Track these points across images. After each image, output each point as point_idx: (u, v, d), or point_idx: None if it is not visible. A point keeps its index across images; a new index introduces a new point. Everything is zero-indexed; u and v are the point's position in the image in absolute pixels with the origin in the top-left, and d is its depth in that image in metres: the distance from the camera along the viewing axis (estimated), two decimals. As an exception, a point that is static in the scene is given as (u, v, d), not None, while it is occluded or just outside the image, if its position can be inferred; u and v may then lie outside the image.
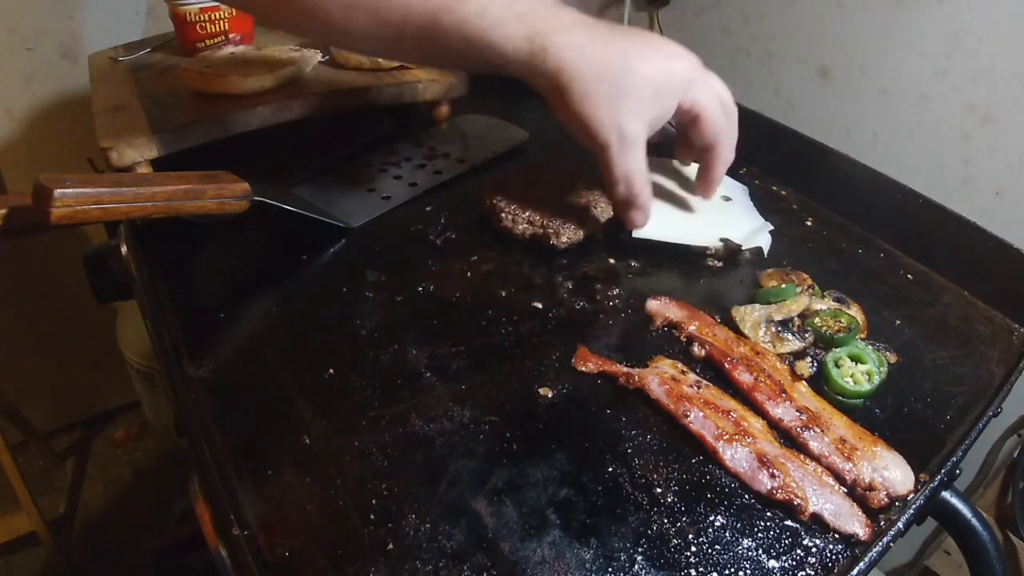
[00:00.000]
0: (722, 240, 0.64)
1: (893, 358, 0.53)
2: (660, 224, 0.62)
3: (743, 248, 0.64)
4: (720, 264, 0.64)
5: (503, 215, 0.63)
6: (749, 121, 0.80)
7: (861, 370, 0.50)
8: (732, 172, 0.74)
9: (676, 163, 0.76)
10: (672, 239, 0.63)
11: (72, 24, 1.12)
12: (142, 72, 0.80)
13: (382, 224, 0.67)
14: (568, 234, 0.61)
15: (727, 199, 0.70)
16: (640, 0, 1.37)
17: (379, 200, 0.69)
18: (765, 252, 0.65)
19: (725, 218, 0.67)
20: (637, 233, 0.62)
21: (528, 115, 0.83)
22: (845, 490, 0.43)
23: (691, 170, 0.74)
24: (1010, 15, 0.87)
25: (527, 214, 0.63)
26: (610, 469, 0.43)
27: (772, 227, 0.67)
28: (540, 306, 0.57)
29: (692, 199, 0.67)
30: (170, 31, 0.87)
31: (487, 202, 0.65)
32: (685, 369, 0.50)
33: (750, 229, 0.66)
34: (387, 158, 0.77)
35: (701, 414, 0.46)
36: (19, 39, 1.09)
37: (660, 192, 0.66)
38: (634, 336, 0.55)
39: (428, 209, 0.69)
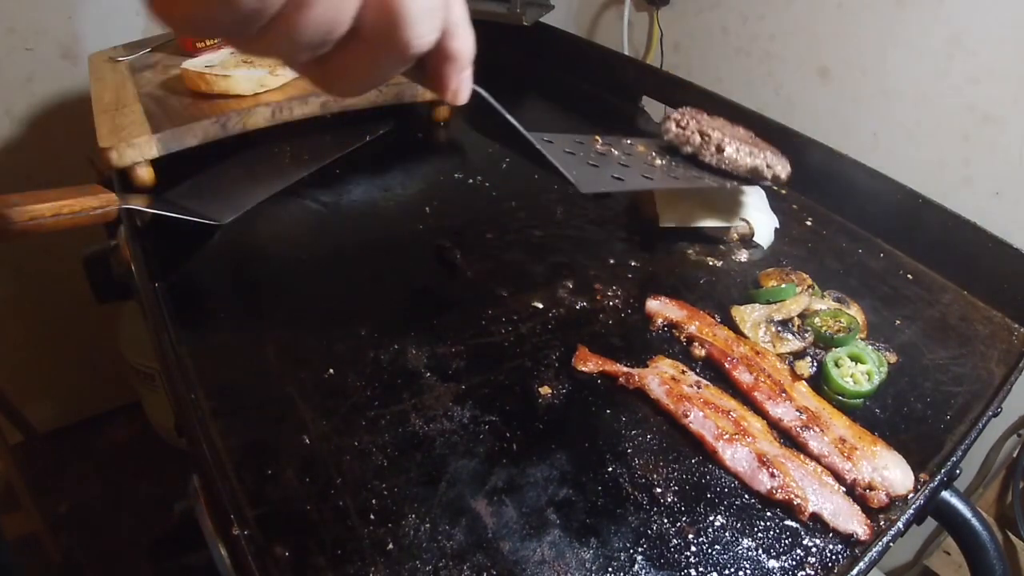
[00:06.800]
0: (743, 219, 0.66)
1: (893, 358, 0.53)
2: (684, 212, 0.65)
3: (754, 234, 0.66)
4: (735, 250, 0.66)
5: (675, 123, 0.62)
6: (749, 121, 0.80)
7: (861, 370, 0.50)
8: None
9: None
10: (697, 224, 0.65)
11: (72, 24, 1.12)
12: (142, 72, 0.80)
13: (381, 223, 0.67)
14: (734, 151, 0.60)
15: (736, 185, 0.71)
16: (640, 0, 1.37)
17: (380, 194, 0.69)
18: (765, 246, 0.67)
19: (740, 203, 0.69)
20: (664, 223, 0.64)
21: (528, 114, 0.83)
22: (845, 490, 0.43)
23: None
24: (1010, 15, 0.87)
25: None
26: (610, 469, 0.43)
27: (777, 224, 0.69)
28: (540, 306, 0.57)
29: (707, 186, 0.69)
30: (170, 31, 0.87)
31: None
32: (685, 369, 0.50)
33: (762, 216, 0.68)
34: None
35: (701, 414, 0.46)
36: (19, 39, 1.09)
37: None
38: (634, 336, 0.55)
39: (428, 209, 0.68)
